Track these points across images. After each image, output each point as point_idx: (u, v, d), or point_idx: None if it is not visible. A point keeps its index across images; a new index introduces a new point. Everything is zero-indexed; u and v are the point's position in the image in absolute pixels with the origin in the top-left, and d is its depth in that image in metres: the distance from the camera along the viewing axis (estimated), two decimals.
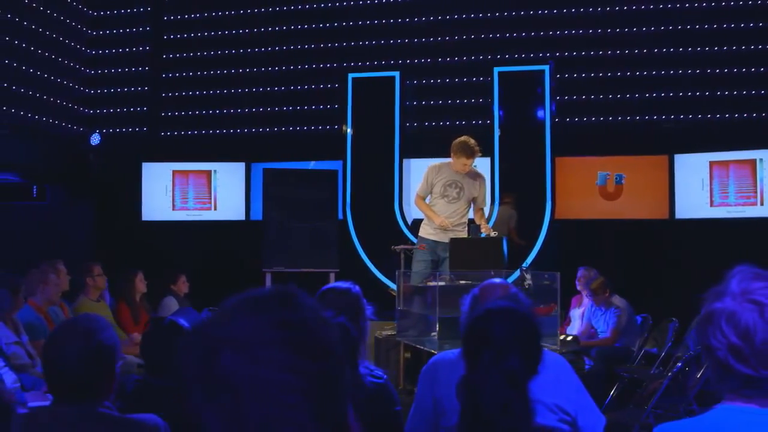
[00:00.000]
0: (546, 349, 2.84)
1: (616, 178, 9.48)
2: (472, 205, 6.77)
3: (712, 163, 9.11)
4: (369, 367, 2.73)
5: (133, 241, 10.32)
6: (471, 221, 6.70)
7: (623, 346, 6.85)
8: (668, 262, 9.00)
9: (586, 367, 6.11)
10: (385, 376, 2.72)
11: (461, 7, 10.30)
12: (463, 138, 6.61)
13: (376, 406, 2.62)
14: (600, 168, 9.55)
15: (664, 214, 9.29)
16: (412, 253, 6.57)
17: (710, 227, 9.02)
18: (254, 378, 0.83)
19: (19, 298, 5.17)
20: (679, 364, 4.81)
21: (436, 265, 6.45)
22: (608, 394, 6.20)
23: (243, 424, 0.82)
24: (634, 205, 9.40)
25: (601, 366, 6.38)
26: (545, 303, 5.15)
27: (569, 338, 6.34)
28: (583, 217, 9.52)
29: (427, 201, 6.79)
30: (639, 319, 7.24)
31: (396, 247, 6.57)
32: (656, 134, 9.57)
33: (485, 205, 6.80)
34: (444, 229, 6.49)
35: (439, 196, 6.63)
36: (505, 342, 1.89)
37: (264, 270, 8.73)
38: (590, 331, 7.12)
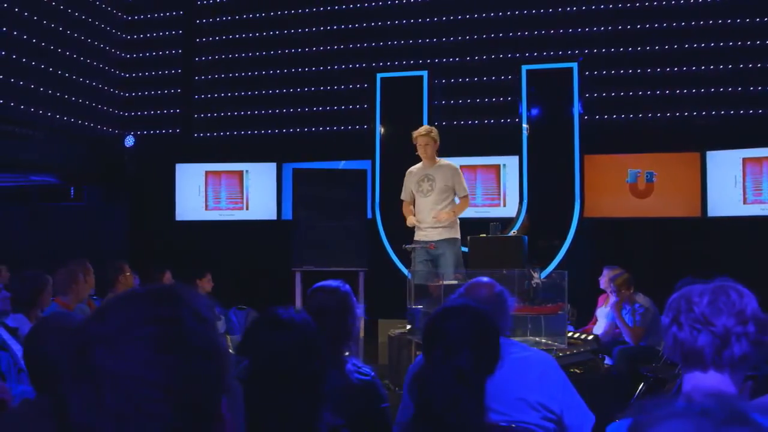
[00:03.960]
0: (537, 348, 2.85)
1: (647, 176, 9.37)
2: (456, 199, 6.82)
3: (745, 160, 8.95)
4: (357, 364, 2.77)
5: (168, 240, 10.51)
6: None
7: (647, 346, 6.77)
8: (700, 260, 8.84)
9: (606, 366, 6.06)
10: (372, 373, 2.76)
11: (488, 6, 10.28)
12: None
13: (362, 402, 2.66)
14: (630, 165, 9.45)
15: (696, 212, 9.15)
16: (414, 253, 6.62)
17: (743, 225, 8.86)
18: (116, 372, 0.88)
19: (45, 296, 5.31)
20: None
21: (432, 264, 6.51)
22: (632, 394, 6.14)
23: (101, 414, 0.87)
24: (666, 203, 9.28)
25: (624, 366, 6.32)
26: (553, 301, 5.13)
27: (590, 337, 6.29)
28: (613, 215, 9.44)
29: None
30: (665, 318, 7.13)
31: (407, 246, 6.61)
32: (688, 131, 9.43)
33: (466, 193, 6.81)
34: (414, 227, 6.69)
35: (416, 193, 6.77)
36: (457, 339, 1.92)
37: (293, 269, 8.82)
38: (614, 331, 7.05)
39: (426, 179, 6.74)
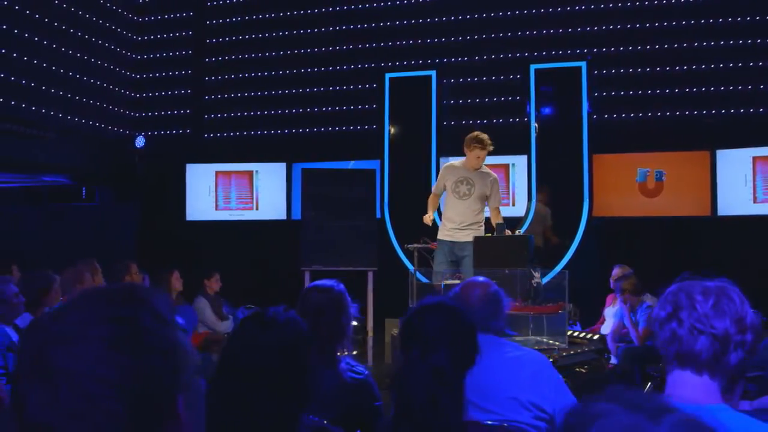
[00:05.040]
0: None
1: (657, 175, 9.34)
2: (487, 205, 6.78)
3: (755, 159, 8.91)
4: (350, 363, 2.79)
5: (178, 240, 10.57)
6: (488, 220, 6.72)
7: (653, 345, 6.74)
8: (710, 260, 8.80)
9: (610, 365, 6.05)
10: (366, 372, 2.78)
11: (496, 5, 10.27)
12: (475, 132, 6.71)
13: (356, 401, 2.68)
14: (640, 164, 9.41)
15: (706, 211, 9.11)
16: (432, 255, 6.62)
17: (754, 224, 8.81)
18: (70, 370, 0.90)
19: (52, 295, 5.36)
20: None
21: (455, 265, 6.49)
22: None
23: (55, 412, 0.89)
24: (675, 202, 9.24)
25: (629, 365, 6.30)
26: (554, 301, 5.13)
27: (595, 337, 6.27)
28: (622, 214, 9.41)
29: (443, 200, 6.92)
30: None
31: (409, 246, 6.63)
32: (697, 129, 9.39)
33: (499, 204, 6.79)
34: (428, 224, 6.65)
35: (450, 192, 6.72)
36: (434, 337, 1.93)
37: (302, 269, 8.85)
38: (622, 331, 7.03)
39: (465, 182, 6.69)
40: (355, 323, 2.74)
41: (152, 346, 0.95)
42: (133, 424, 0.91)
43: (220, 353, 2.02)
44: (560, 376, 2.75)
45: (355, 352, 7.04)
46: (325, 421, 2.28)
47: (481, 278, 2.88)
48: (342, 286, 2.88)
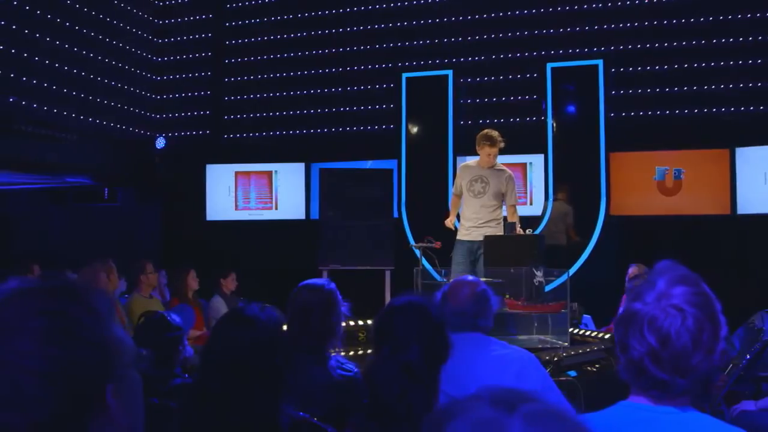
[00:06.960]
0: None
1: (675, 173, 9.27)
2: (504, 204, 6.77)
3: None
4: (340, 361, 2.83)
5: (199, 240, 10.69)
6: (506, 218, 6.71)
7: None
8: (729, 259, 8.74)
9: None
10: (355, 369, 2.82)
11: (512, 4, 10.26)
12: (485, 130, 6.72)
13: (344, 397, 2.71)
14: (658, 163, 9.35)
15: (725, 210, 9.02)
16: (453, 252, 6.64)
17: None
18: (1, 360, 0.96)
19: None
20: None
21: (474, 264, 6.49)
22: None
23: None
24: (694, 200, 9.17)
25: None
26: (555, 300, 5.12)
27: (607, 336, 6.24)
28: (640, 213, 9.35)
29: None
30: None
31: (414, 245, 6.65)
32: (716, 127, 9.30)
33: (516, 202, 6.77)
34: (450, 228, 6.67)
35: (466, 191, 6.72)
36: (404, 335, 1.97)
37: (320, 268, 8.90)
38: None
39: (480, 180, 6.71)
40: (344, 323, 2.78)
41: (82, 338, 1.00)
42: (60, 412, 0.96)
43: (201, 350, 2.06)
44: (547, 374, 2.77)
45: (369, 351, 7.07)
46: (315, 418, 2.32)
47: (470, 277, 2.91)
48: (333, 285, 2.92)
